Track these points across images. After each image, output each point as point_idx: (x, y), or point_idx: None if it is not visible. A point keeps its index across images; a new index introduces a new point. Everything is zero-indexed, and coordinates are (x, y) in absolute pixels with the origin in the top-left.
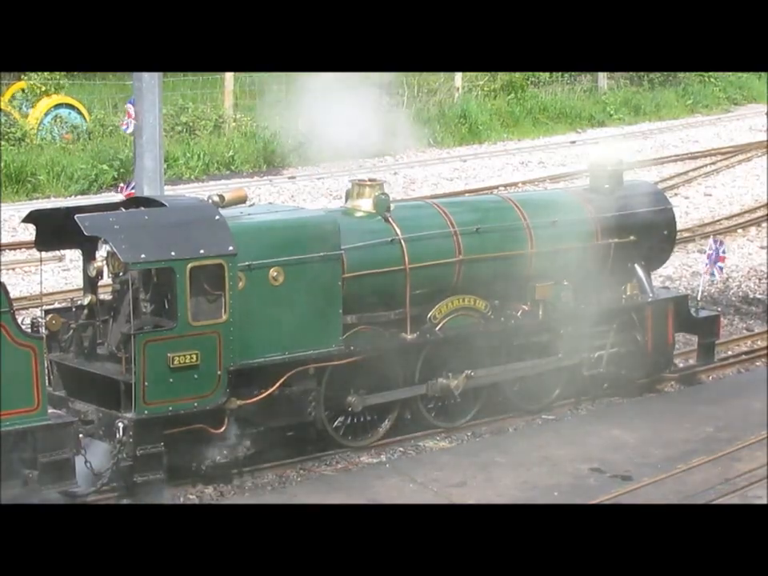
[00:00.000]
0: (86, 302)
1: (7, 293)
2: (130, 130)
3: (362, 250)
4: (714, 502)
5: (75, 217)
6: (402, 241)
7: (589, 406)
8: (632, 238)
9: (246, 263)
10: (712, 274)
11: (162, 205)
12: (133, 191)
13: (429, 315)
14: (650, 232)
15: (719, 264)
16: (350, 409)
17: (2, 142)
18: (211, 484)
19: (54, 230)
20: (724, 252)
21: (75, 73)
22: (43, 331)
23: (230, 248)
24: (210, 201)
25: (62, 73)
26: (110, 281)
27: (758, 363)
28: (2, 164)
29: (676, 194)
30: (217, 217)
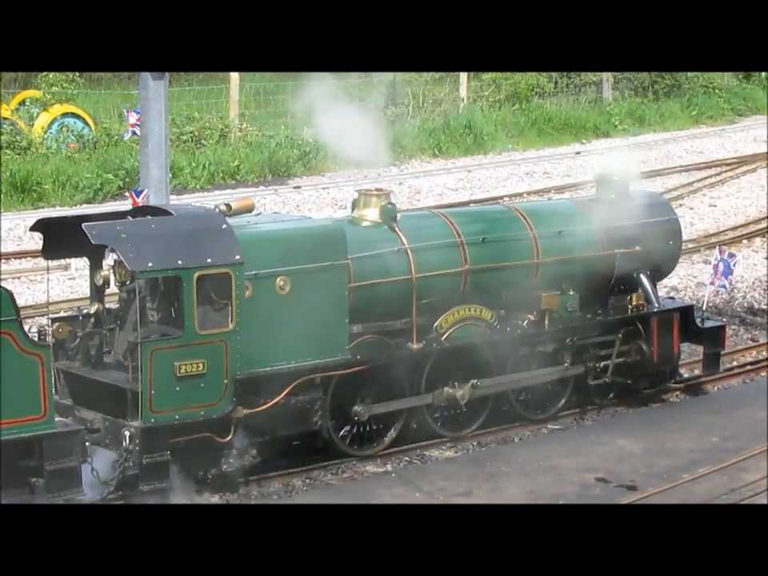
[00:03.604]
0: (92, 310)
1: (14, 301)
2: (127, 137)
3: (369, 260)
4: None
5: (83, 225)
6: (409, 250)
7: (594, 416)
8: (637, 248)
9: (253, 272)
10: (722, 286)
11: (169, 214)
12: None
13: (435, 325)
14: (655, 242)
15: (730, 277)
16: (355, 418)
17: (8, 151)
18: (217, 493)
19: (62, 239)
20: (735, 265)
21: (81, 82)
22: (50, 340)
23: (237, 257)
24: (217, 210)
25: (68, 84)
26: (116, 289)
27: (762, 374)
28: (9, 173)
29: (681, 205)
30: (224, 226)
